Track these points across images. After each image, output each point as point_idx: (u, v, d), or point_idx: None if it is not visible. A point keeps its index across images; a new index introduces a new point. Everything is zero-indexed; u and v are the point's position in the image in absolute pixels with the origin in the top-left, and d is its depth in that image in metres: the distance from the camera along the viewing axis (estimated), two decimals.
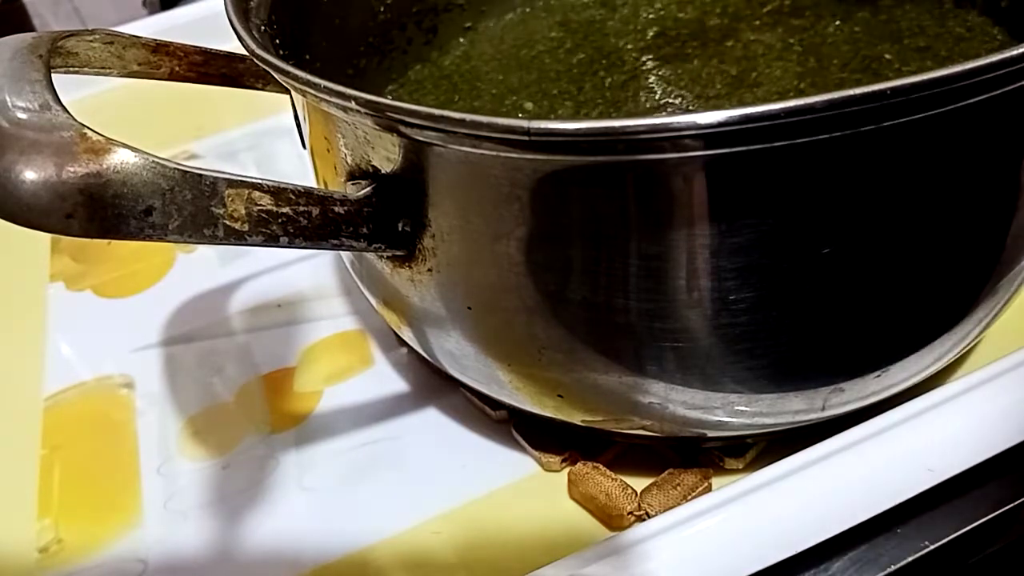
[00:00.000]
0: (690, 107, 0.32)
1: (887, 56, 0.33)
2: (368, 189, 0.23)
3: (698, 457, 0.30)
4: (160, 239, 0.19)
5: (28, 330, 0.41)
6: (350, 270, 0.31)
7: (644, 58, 0.36)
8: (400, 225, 0.24)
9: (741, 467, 0.29)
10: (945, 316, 0.25)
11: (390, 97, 0.21)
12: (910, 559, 0.26)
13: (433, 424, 0.33)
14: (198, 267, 0.43)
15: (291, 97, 0.29)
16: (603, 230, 0.21)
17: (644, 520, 0.27)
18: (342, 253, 0.32)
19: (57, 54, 0.24)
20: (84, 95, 0.55)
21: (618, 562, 0.25)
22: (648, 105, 0.33)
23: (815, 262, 0.21)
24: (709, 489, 0.29)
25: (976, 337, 0.27)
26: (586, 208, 0.21)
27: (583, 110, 0.33)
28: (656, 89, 0.34)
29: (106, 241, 0.45)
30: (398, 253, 0.25)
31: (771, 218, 0.21)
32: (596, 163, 0.20)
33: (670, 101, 0.33)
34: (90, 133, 0.18)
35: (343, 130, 0.24)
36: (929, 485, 0.26)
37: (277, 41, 0.29)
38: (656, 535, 0.25)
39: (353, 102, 0.21)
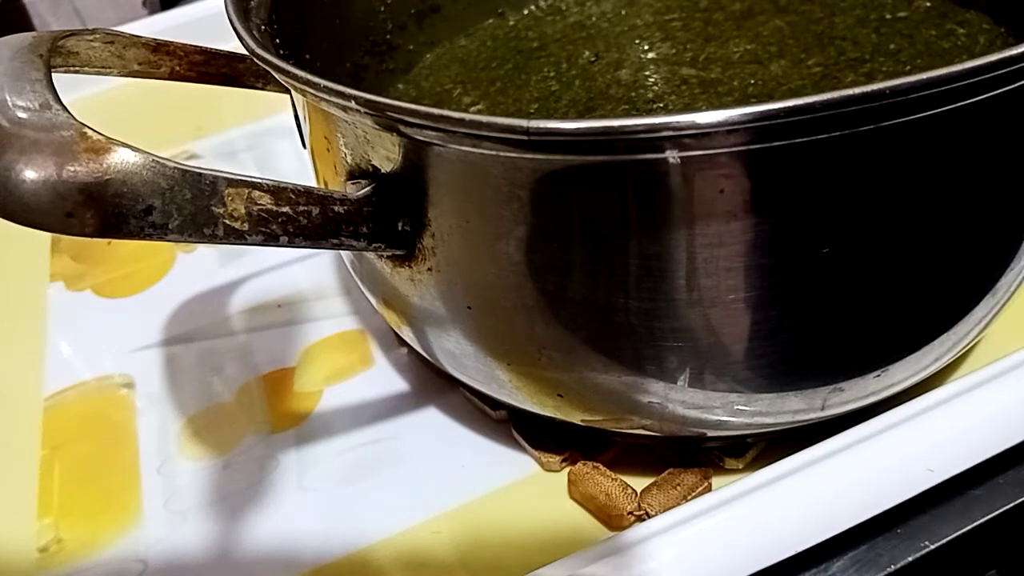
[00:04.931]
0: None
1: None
2: (368, 189, 0.23)
3: (698, 457, 0.30)
4: (160, 238, 0.19)
5: (28, 330, 0.41)
6: (350, 270, 0.31)
7: (647, 56, 0.36)
8: (400, 224, 0.24)
9: (741, 467, 0.29)
10: (945, 316, 0.25)
11: (392, 97, 0.21)
12: (910, 559, 0.26)
13: (433, 424, 0.33)
14: (198, 267, 0.43)
15: (291, 97, 0.29)
16: (603, 230, 0.21)
17: (644, 520, 0.27)
18: (342, 253, 0.32)
19: (57, 53, 0.24)
20: (84, 95, 0.55)
21: (618, 562, 0.25)
22: (649, 104, 0.33)
23: (815, 262, 0.21)
24: (709, 489, 0.29)
25: (976, 337, 0.27)
26: (586, 208, 0.21)
27: (590, 106, 0.33)
28: (656, 90, 0.34)
29: (106, 241, 0.45)
30: (398, 253, 0.25)
31: (771, 218, 0.21)
32: (595, 163, 0.20)
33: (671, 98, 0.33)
34: (90, 132, 0.18)
35: (343, 130, 0.24)
36: (929, 485, 0.26)
37: (277, 41, 0.29)
38: (656, 535, 0.25)
39: (353, 101, 0.21)
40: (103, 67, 0.28)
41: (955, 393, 0.27)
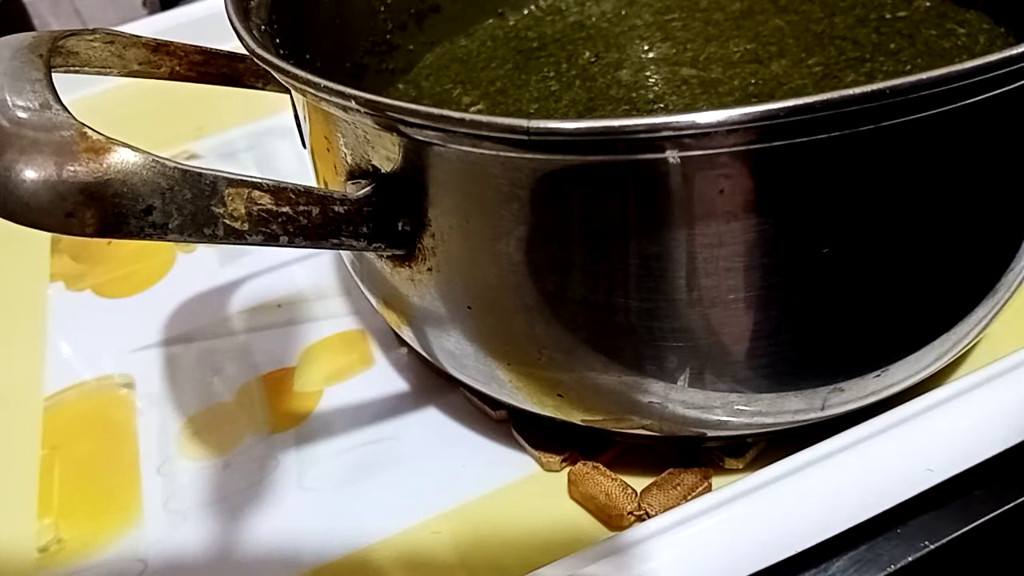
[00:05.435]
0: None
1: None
2: (368, 189, 0.23)
3: (698, 457, 0.30)
4: (160, 238, 0.19)
5: (28, 330, 0.41)
6: (350, 270, 0.31)
7: (648, 56, 0.36)
8: (400, 224, 0.24)
9: (741, 467, 0.29)
10: (945, 316, 0.25)
11: (392, 97, 0.21)
12: (910, 559, 0.26)
13: (433, 424, 0.33)
14: (198, 267, 0.43)
15: (291, 97, 0.29)
16: (603, 229, 0.21)
17: (644, 520, 0.27)
18: (342, 253, 0.32)
19: (57, 53, 0.24)
20: (84, 95, 0.55)
21: (618, 562, 0.25)
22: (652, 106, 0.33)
23: (815, 262, 0.21)
24: (709, 489, 0.29)
25: (976, 337, 0.27)
26: (586, 208, 0.21)
27: (590, 107, 0.33)
28: (656, 90, 0.34)
29: (106, 241, 0.45)
30: (398, 253, 0.25)
31: (771, 218, 0.21)
32: (595, 162, 0.20)
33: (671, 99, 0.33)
34: (90, 132, 0.18)
35: (343, 129, 0.24)
36: (929, 485, 0.26)
37: (277, 41, 0.29)
38: (656, 535, 0.25)
39: (353, 101, 0.21)
40: (103, 67, 0.28)
41: (955, 393, 0.27)
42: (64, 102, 0.19)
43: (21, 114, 0.18)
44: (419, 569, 0.29)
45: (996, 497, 0.27)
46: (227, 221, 0.20)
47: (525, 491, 0.30)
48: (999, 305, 0.26)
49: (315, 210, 0.21)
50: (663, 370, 0.24)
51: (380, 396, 0.35)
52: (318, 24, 0.34)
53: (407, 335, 0.30)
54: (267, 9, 0.29)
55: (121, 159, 0.18)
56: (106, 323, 0.41)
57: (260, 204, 0.20)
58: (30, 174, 0.17)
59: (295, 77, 0.22)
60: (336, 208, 0.22)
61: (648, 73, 0.35)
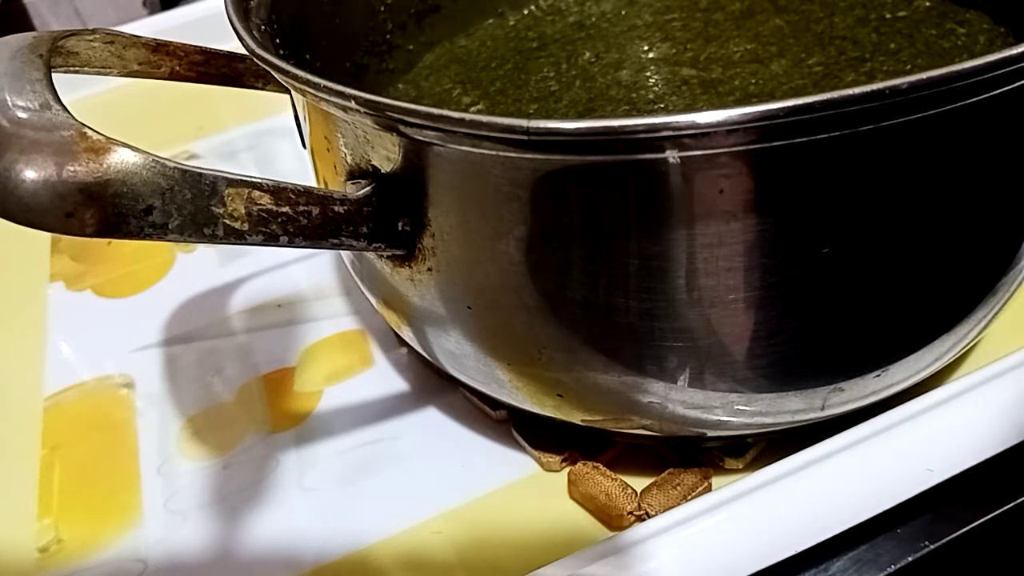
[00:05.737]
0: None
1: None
2: (368, 188, 0.23)
3: (698, 457, 0.30)
4: (160, 238, 0.19)
5: (28, 330, 0.41)
6: (350, 270, 0.31)
7: (648, 56, 0.36)
8: (400, 224, 0.24)
9: (741, 467, 0.29)
10: (945, 316, 0.25)
11: (392, 97, 0.21)
12: (910, 559, 0.26)
13: (433, 424, 0.33)
14: (198, 267, 0.43)
15: (291, 97, 0.29)
16: (603, 229, 0.21)
17: (644, 520, 0.27)
18: (342, 253, 0.32)
19: (57, 53, 0.24)
20: (84, 95, 0.55)
21: (618, 562, 0.25)
22: (649, 103, 0.33)
23: (815, 262, 0.21)
24: (709, 489, 0.29)
25: (976, 337, 0.27)
26: (586, 207, 0.21)
27: (590, 108, 0.33)
28: (657, 90, 0.34)
29: (106, 241, 0.45)
30: (398, 253, 0.25)
31: (771, 218, 0.21)
32: (595, 162, 0.20)
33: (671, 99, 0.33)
34: (90, 132, 0.18)
35: (343, 130, 0.24)
36: (929, 485, 0.26)
37: (277, 41, 0.29)
38: (656, 535, 0.25)
39: (353, 101, 0.21)
40: (103, 67, 0.28)
41: (955, 393, 0.27)
42: (64, 102, 0.19)
43: (21, 114, 0.18)
44: (419, 569, 0.29)
45: (996, 497, 0.27)
46: (227, 221, 0.20)
47: (525, 491, 0.30)
48: (999, 305, 0.26)
49: (315, 210, 0.21)
50: (663, 370, 0.24)
51: (380, 396, 0.35)
52: (318, 24, 0.34)
53: (407, 335, 0.30)
54: (267, 9, 0.29)
55: (121, 159, 0.18)
56: (106, 323, 0.41)
57: (260, 204, 0.20)
58: (30, 174, 0.17)
59: (295, 77, 0.22)
60: (336, 208, 0.22)
61: (648, 73, 0.35)
